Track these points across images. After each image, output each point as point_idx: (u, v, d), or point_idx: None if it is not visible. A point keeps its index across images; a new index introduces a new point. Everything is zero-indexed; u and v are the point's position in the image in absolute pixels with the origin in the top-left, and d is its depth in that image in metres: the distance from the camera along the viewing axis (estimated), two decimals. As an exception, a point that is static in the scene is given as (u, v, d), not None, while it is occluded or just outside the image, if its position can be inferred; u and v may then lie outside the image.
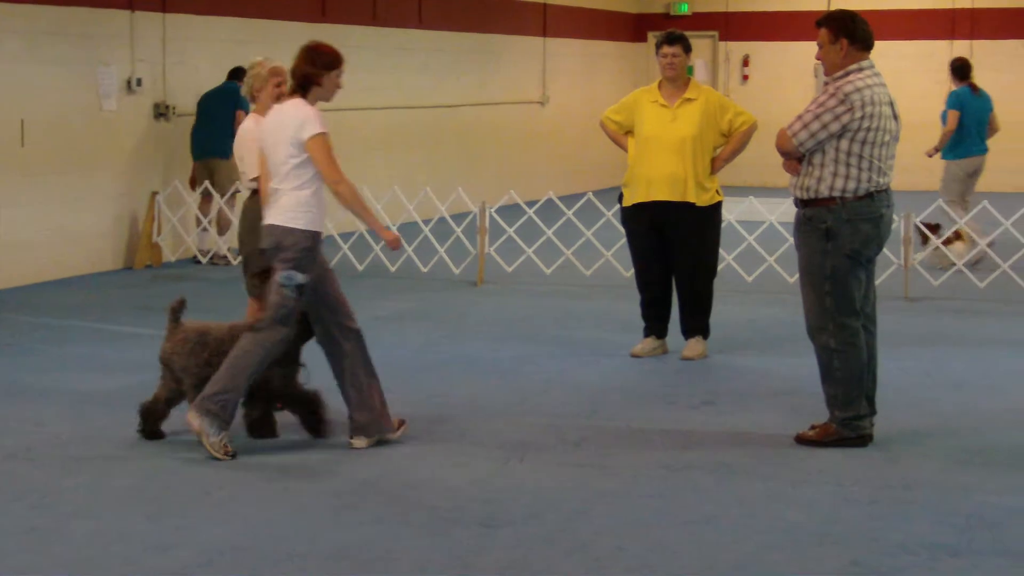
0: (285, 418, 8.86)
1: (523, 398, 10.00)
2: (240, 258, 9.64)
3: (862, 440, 8.60)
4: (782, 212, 15.86)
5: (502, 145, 23.92)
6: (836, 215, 8.45)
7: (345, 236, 16.54)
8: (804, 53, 25.50)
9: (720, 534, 7.04)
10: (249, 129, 9.43)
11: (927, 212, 15.93)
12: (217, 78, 16.96)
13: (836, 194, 8.46)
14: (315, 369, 8.87)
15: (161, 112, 16.69)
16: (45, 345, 11.89)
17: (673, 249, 11.19)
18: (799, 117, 8.52)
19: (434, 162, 21.56)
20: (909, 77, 24.30)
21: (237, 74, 16.68)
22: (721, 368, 11.06)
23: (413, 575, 6.51)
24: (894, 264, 14.69)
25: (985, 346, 11.81)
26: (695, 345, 11.34)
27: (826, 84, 8.64)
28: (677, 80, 11.09)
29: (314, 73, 8.57)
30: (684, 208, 11.02)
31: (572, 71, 26.21)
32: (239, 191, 15.36)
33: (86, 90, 15.77)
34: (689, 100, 11.05)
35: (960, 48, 26.30)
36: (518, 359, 11.31)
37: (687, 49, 11.09)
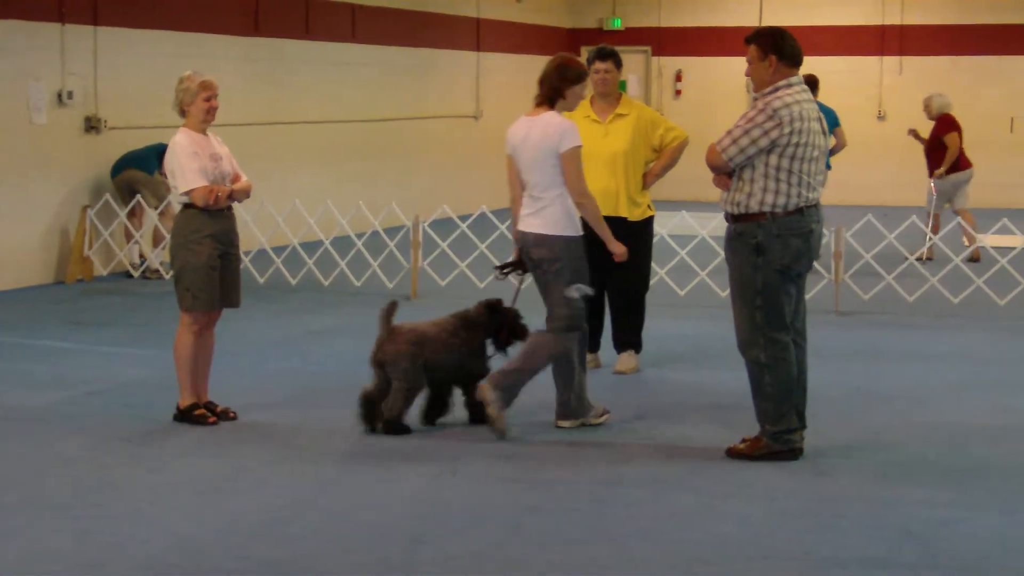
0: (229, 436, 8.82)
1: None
2: (172, 272, 9.59)
3: (793, 454, 8.65)
4: (714, 227, 15.94)
5: (436, 159, 23.92)
6: (766, 230, 8.49)
7: (278, 250, 16.49)
8: (736, 68, 25.40)
9: (652, 548, 7.06)
10: (181, 144, 9.38)
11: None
12: (149, 91, 16.88)
13: (766, 209, 8.50)
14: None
15: (92, 126, 16.58)
16: (-27, 360, 11.79)
17: (605, 264, 11.20)
18: (729, 132, 8.55)
19: (367, 176, 21.52)
20: (839, 93, 24.48)
21: None
22: (653, 382, 11.09)
23: (344, 591, 6.49)
24: (825, 279, 14.79)
25: (914, 360, 11.90)
26: (628, 359, 11.37)
27: (755, 100, 8.69)
28: (609, 96, 11.13)
29: (562, 86, 9.28)
30: (616, 223, 11.01)
31: (506, 85, 26.23)
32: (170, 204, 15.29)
33: (16, 104, 15.65)
34: (621, 115, 11.08)
35: (890, 64, 26.57)
36: (451, 373, 11.29)
37: (618, 64, 11.14)
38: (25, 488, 8.05)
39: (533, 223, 9.30)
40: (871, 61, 26.85)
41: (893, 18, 26.91)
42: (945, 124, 18.58)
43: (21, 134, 15.74)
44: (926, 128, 18.83)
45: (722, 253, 9.27)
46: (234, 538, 7.15)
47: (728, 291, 9.03)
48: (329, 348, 12.37)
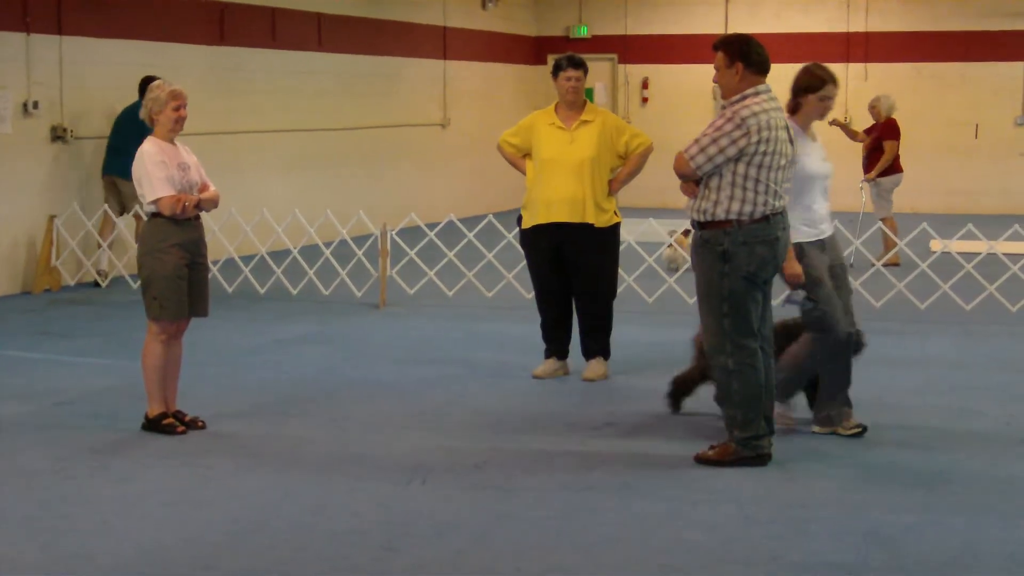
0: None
1: (424, 420, 9.99)
2: (139, 282, 9.58)
3: (761, 459, 8.68)
4: (673, 240, 16.00)
5: (403, 167, 23.91)
6: (732, 238, 8.53)
7: (247, 259, 16.47)
8: (702, 76, 25.68)
9: (621, 555, 7.07)
10: (148, 152, 9.37)
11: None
12: (115, 100, 16.85)
13: (732, 217, 8.54)
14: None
15: (59, 135, 16.53)
16: (-60, 371, 11.74)
17: (573, 270, 11.24)
18: (696, 141, 8.59)
19: (335, 184, 21.51)
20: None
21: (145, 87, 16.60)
22: (622, 389, 11.11)
23: (314, 600, 6.50)
24: (792, 285, 14.82)
25: (880, 365, 11.94)
26: (596, 366, 11.39)
27: (723, 108, 8.72)
28: (576, 103, 11.17)
29: (798, 95, 9.33)
30: (583, 229, 11.09)
31: (473, 93, 26.25)
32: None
33: (-19, 113, 15.62)
34: (586, 122, 11.12)
35: (855, 71, 26.68)
36: (420, 381, 11.31)
37: (587, 73, 11.21)
38: (-8, 499, 8.02)
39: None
40: (836, 68, 26.74)
41: (858, 25, 27.03)
42: (890, 129, 18.90)
43: (-13, 144, 15.70)
44: (861, 125, 18.92)
45: (689, 260, 9.30)
46: (202, 548, 7.14)
47: (696, 298, 9.05)
48: (297, 357, 12.37)
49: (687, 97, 27.81)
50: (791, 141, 8.72)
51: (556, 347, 11.48)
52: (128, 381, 10.80)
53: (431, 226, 16.57)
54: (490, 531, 7.43)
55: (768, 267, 8.63)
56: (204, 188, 9.60)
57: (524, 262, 11.88)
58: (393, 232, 15.92)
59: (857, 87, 26.34)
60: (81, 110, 16.82)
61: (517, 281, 15.13)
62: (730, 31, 24.96)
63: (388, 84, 23.62)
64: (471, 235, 15.98)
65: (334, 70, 21.96)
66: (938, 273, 15.16)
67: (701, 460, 8.75)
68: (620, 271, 11.58)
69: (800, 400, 9.73)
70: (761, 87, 8.65)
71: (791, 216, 8.92)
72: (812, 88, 9.29)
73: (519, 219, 11.46)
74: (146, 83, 16.59)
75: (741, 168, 8.51)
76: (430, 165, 24.77)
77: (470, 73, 26.19)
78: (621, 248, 11.49)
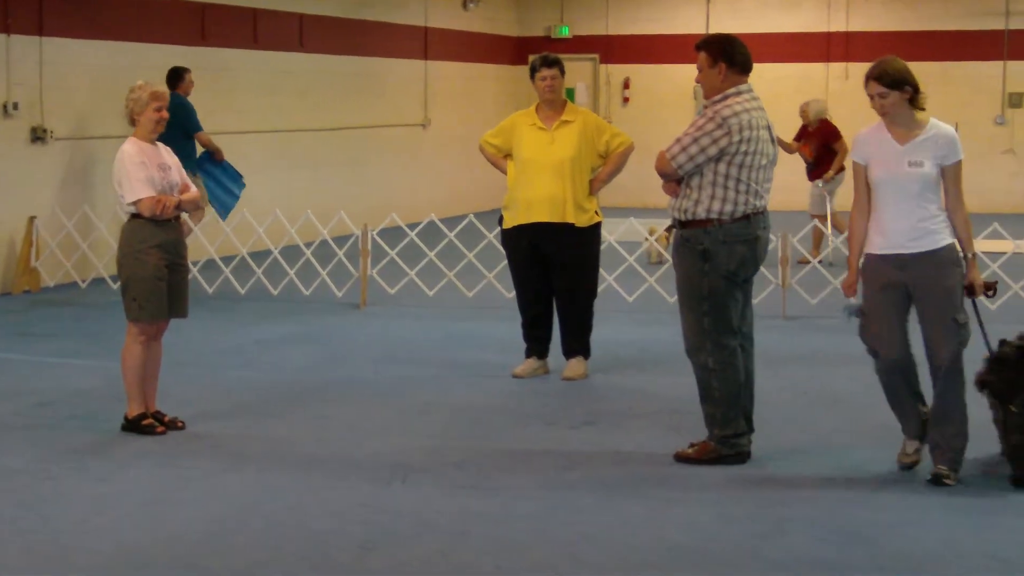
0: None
1: (405, 420, 9.99)
2: (119, 283, 9.56)
3: (740, 457, 8.69)
4: (660, 234, 16.02)
5: (384, 168, 23.90)
6: (713, 236, 8.54)
7: (227, 260, 16.45)
8: (684, 76, 25.70)
9: (601, 554, 7.07)
10: (128, 153, 9.35)
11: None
12: (96, 102, 16.83)
13: (713, 216, 8.54)
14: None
15: (38, 136, 16.49)
16: (-81, 373, 11.71)
17: (554, 270, 11.25)
18: (678, 140, 8.59)
19: (316, 185, 21.48)
20: (786, 100, 24.59)
21: (174, 80, 16.71)
22: (602, 388, 11.12)
23: (293, 599, 6.49)
24: (772, 284, 14.86)
25: (860, 364, 11.89)
26: (576, 365, 11.40)
27: (705, 108, 8.72)
28: (555, 102, 11.17)
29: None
30: (564, 229, 11.09)
31: (454, 94, 26.24)
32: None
33: (-39, 114, 15.59)
34: (567, 122, 11.12)
35: (836, 70, 26.73)
36: (400, 381, 11.31)
37: (563, 71, 11.20)
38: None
39: None
40: (817, 67, 26.99)
41: (839, 25, 27.08)
42: (830, 131, 19.08)
43: (-34, 145, 15.66)
44: (787, 134, 18.89)
45: (669, 260, 9.29)
46: (182, 547, 7.13)
47: (676, 297, 9.06)
48: (278, 357, 12.35)
49: (668, 97, 27.83)
50: (772, 141, 8.73)
51: (536, 346, 11.49)
52: (108, 382, 10.78)
53: (412, 226, 16.56)
54: (470, 530, 7.43)
55: (748, 266, 8.64)
56: (184, 189, 9.59)
57: (505, 262, 11.88)
58: (374, 232, 15.91)
59: (838, 87, 26.39)
60: (61, 111, 16.78)
61: (498, 281, 15.13)
62: (712, 31, 24.97)
63: (369, 84, 23.61)
64: (452, 235, 15.97)
65: (315, 70, 21.94)
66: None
67: (681, 458, 8.75)
68: (601, 270, 11.59)
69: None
70: (743, 87, 8.66)
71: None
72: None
73: (500, 219, 11.46)
74: (175, 75, 16.85)
75: (722, 167, 8.52)
76: (411, 165, 24.77)
77: (451, 73, 26.19)
78: (602, 247, 11.50)
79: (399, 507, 7.83)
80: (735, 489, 8.17)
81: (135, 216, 9.39)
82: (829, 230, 18.13)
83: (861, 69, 8.64)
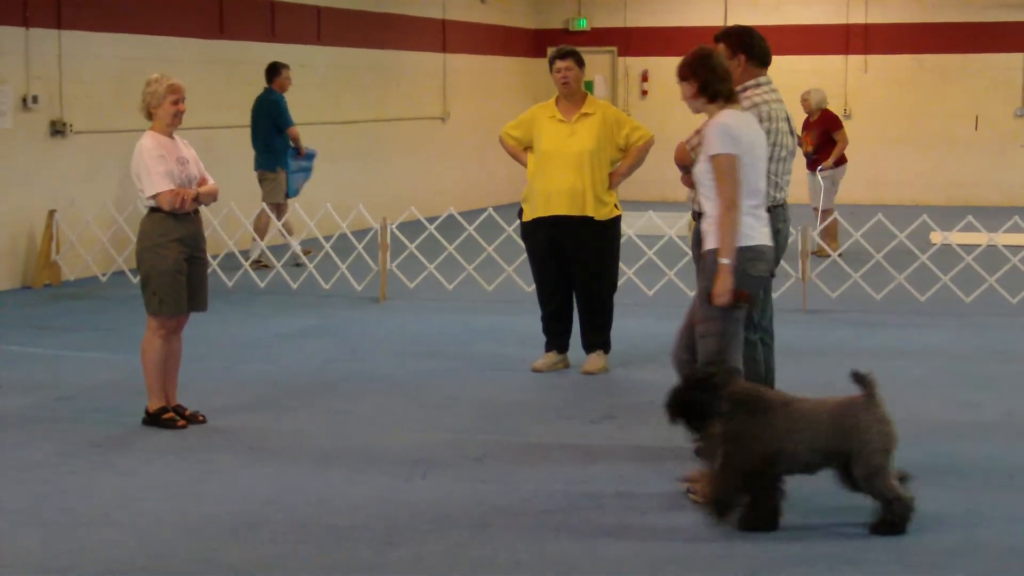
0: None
1: (424, 414, 10.00)
2: (139, 277, 9.57)
3: (761, 452, 8.65)
4: (681, 226, 15.99)
5: (403, 161, 23.90)
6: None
7: (246, 253, 16.46)
8: (702, 68, 25.62)
9: (622, 548, 7.07)
10: (147, 147, 9.35)
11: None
12: (115, 95, 16.86)
13: (733, 208, 8.50)
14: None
15: (58, 130, 16.52)
16: (-60, 366, 11.74)
17: (573, 263, 11.24)
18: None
19: (334, 178, 21.47)
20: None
21: (271, 76, 17.08)
22: (622, 382, 11.11)
23: (314, 593, 6.50)
24: (792, 277, 14.83)
25: (880, 357, 11.94)
26: (596, 359, 11.39)
27: (724, 99, 8.68)
28: (574, 95, 11.15)
29: None
30: (583, 222, 11.07)
31: (472, 87, 26.24)
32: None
33: (-20, 108, 15.62)
34: (586, 115, 11.11)
35: (854, 63, 26.67)
36: (420, 375, 11.31)
37: (580, 63, 11.17)
38: (-8, 494, 8.03)
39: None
40: (836, 60, 26.94)
41: (857, 17, 27.00)
42: (831, 120, 19.07)
43: (-14, 139, 15.69)
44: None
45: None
46: (203, 541, 7.14)
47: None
48: (298, 351, 12.36)
49: (687, 90, 27.74)
50: (792, 133, 8.70)
51: (556, 340, 11.48)
52: (128, 376, 10.80)
53: (431, 220, 16.56)
54: (490, 524, 7.43)
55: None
56: (203, 182, 9.59)
57: (524, 255, 11.87)
58: (393, 226, 15.91)
59: (857, 80, 26.35)
60: (80, 104, 16.81)
61: (517, 274, 15.12)
62: (730, 23, 24.93)
63: (387, 77, 23.61)
64: (471, 228, 15.97)
65: (333, 63, 21.95)
66: (938, 265, 15.15)
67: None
68: (620, 264, 11.57)
69: None
70: (762, 78, 8.64)
71: None
72: None
73: (520, 212, 11.45)
74: (273, 69, 17.21)
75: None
76: (430, 158, 24.77)
77: (469, 66, 26.18)
78: (621, 241, 11.49)
79: (419, 501, 7.84)
80: (755, 483, 8.14)
81: (154, 210, 9.39)
82: (818, 220, 18.01)
83: (880, 62, 8.64)
